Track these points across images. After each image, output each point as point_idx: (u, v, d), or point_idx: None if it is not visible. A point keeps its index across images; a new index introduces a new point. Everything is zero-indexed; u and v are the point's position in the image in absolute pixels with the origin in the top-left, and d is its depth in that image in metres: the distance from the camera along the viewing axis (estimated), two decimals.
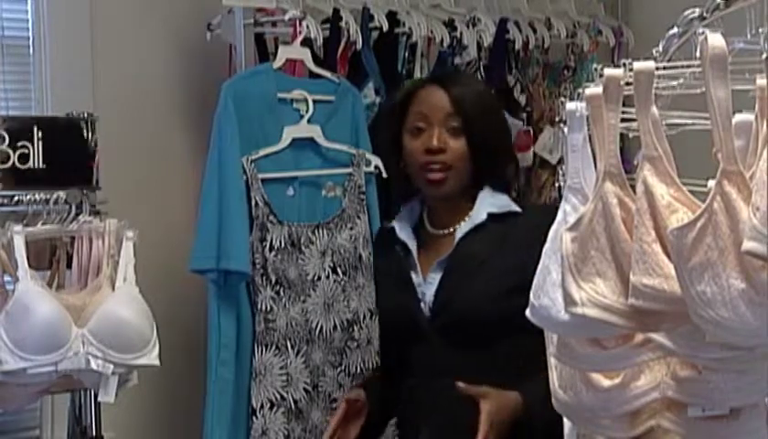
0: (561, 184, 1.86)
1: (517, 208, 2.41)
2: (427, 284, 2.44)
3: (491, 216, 2.39)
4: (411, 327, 2.44)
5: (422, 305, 2.42)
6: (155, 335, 2.52)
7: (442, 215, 2.47)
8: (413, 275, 2.46)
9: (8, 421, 2.92)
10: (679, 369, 1.70)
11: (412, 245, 2.47)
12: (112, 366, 2.46)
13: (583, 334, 1.72)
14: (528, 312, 1.81)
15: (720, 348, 1.59)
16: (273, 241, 2.91)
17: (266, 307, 2.91)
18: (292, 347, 2.90)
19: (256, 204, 2.90)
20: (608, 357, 1.72)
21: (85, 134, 2.73)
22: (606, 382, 1.75)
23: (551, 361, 1.84)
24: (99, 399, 2.53)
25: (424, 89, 2.46)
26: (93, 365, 2.43)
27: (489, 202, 2.41)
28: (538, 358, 2.10)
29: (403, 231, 2.50)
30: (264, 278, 2.90)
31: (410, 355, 2.46)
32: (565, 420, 2.00)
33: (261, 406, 2.89)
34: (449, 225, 2.46)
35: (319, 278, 2.95)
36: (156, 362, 2.51)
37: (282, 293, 2.92)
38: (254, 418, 2.90)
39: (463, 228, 2.41)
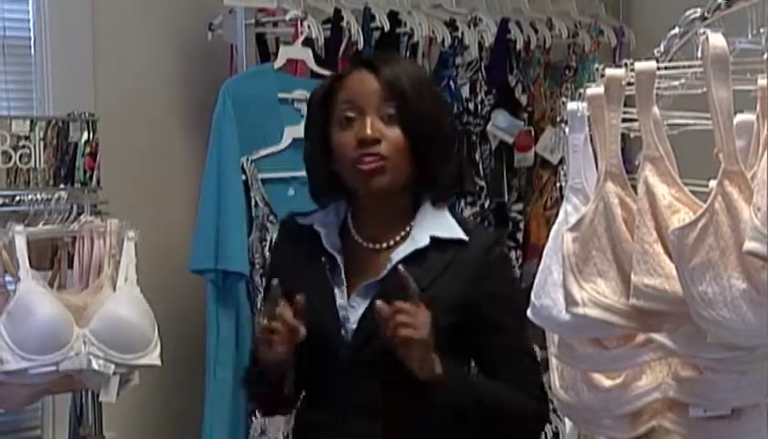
0: (563, 184, 1.86)
1: (463, 236, 2.04)
2: (351, 308, 2.04)
3: (434, 240, 2.03)
4: (329, 355, 2.04)
5: (344, 332, 2.03)
6: (157, 335, 2.52)
7: (373, 223, 2.09)
8: (337, 294, 2.05)
9: (9, 421, 2.92)
10: (681, 370, 1.70)
11: (341, 260, 2.07)
12: (113, 366, 2.46)
13: (585, 334, 1.71)
14: (529, 312, 1.81)
15: (721, 349, 1.59)
16: (273, 241, 2.91)
17: None
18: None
19: (256, 204, 2.91)
20: (609, 357, 1.72)
21: (86, 135, 2.73)
22: (607, 382, 1.75)
23: (552, 362, 1.84)
24: (100, 399, 2.54)
25: (351, 74, 2.07)
26: (95, 365, 2.43)
27: (431, 222, 2.06)
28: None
29: (329, 240, 2.08)
30: (264, 278, 2.91)
31: (320, 385, 2.07)
32: (566, 420, 2.00)
33: None
34: (382, 239, 2.07)
35: None
36: (158, 362, 2.51)
37: None
38: (253, 418, 2.91)
39: (400, 251, 2.03)
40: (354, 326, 2.03)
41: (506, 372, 2.05)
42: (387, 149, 2.00)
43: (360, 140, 2.00)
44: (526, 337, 2.08)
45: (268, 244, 2.92)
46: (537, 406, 2.08)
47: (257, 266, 2.91)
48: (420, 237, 2.04)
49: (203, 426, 2.91)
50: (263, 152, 2.97)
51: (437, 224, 2.06)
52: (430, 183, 2.08)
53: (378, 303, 1.92)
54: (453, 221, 2.08)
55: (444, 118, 2.13)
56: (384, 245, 2.07)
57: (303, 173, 2.93)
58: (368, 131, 2.00)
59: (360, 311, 2.03)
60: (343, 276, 2.07)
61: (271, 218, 2.93)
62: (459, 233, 2.06)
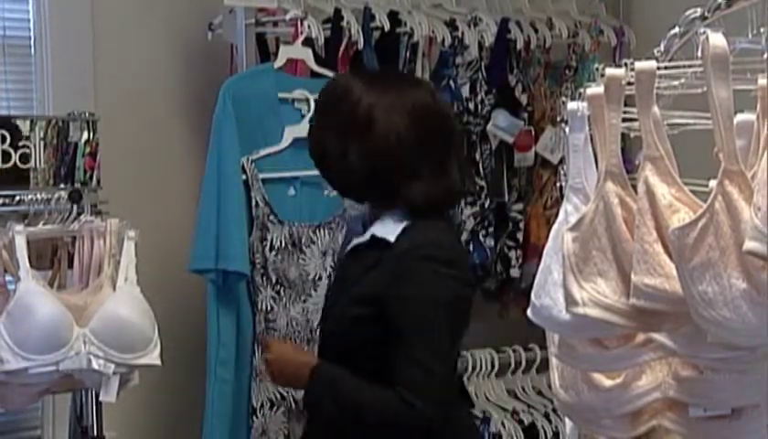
0: (563, 184, 1.86)
1: (390, 238, 2.23)
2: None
3: (373, 239, 2.27)
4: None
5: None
6: (157, 334, 2.52)
7: (371, 220, 2.37)
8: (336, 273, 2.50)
9: (10, 421, 2.92)
10: (681, 370, 1.70)
11: (342, 253, 2.47)
12: (113, 366, 2.45)
13: (585, 334, 1.71)
14: (529, 312, 1.81)
15: (721, 349, 1.59)
16: (274, 241, 2.92)
17: (267, 307, 2.92)
18: None
19: (256, 204, 2.91)
20: (609, 357, 1.72)
21: (86, 134, 2.73)
22: (608, 382, 1.75)
23: (552, 361, 1.84)
24: (100, 399, 2.53)
25: None
26: (95, 365, 2.43)
27: (384, 223, 2.28)
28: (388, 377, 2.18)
29: (352, 231, 2.45)
30: (265, 278, 2.91)
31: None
32: (566, 420, 2.00)
33: (262, 406, 2.90)
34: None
35: (320, 278, 2.96)
36: (158, 362, 2.51)
37: (282, 293, 2.93)
38: (254, 418, 2.91)
39: (353, 243, 2.34)
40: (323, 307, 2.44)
41: (394, 368, 2.15)
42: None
43: None
44: (423, 344, 2.14)
45: (268, 244, 2.92)
46: (401, 409, 2.13)
47: (257, 266, 2.91)
48: (367, 234, 2.27)
49: (204, 426, 2.91)
50: (264, 152, 2.97)
51: (385, 225, 2.26)
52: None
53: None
54: (396, 225, 2.24)
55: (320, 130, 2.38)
56: (355, 242, 2.33)
57: (303, 173, 2.98)
58: None
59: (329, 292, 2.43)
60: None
61: (271, 217, 2.93)
62: (389, 235, 2.23)
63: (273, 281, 2.93)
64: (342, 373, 2.23)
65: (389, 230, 2.24)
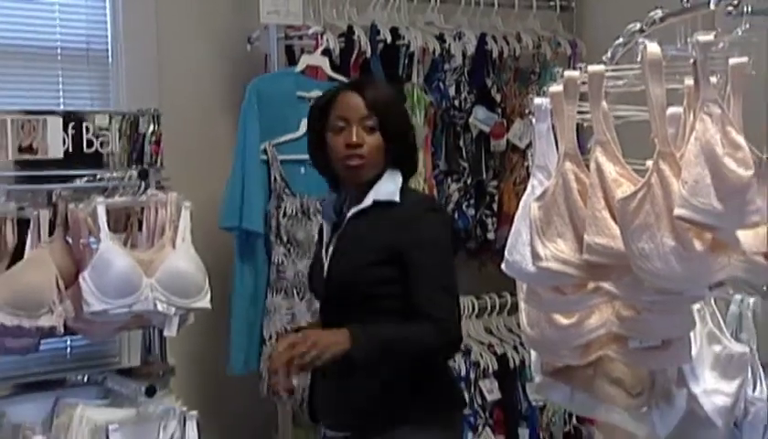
0: (530, 164, 1.84)
1: (396, 198, 2.18)
2: (327, 255, 2.26)
3: (375, 203, 2.19)
4: (319, 289, 2.31)
5: (324, 276, 2.26)
6: (207, 284, 2.53)
7: (354, 198, 2.25)
8: (324, 250, 2.29)
9: (95, 350, 2.95)
10: (623, 310, 1.69)
11: (327, 225, 2.30)
12: (174, 308, 2.47)
13: (547, 283, 1.70)
14: (503, 266, 1.79)
15: (655, 293, 1.58)
16: (287, 209, 2.97)
17: (279, 261, 2.96)
18: (297, 293, 2.96)
19: (275, 179, 2.97)
20: (566, 301, 1.71)
21: (152, 126, 2.73)
22: (565, 321, 1.74)
23: (521, 305, 1.83)
24: (164, 334, 2.54)
25: (342, 94, 2.23)
26: (159, 307, 2.44)
27: (380, 190, 2.20)
28: (397, 316, 2.13)
29: (325, 213, 2.33)
30: (278, 238, 2.96)
31: (321, 311, 2.34)
32: (532, 351, 2.00)
33: (270, 337, 2.93)
34: (354, 206, 2.25)
35: None
36: (208, 306, 2.53)
37: (291, 250, 2.97)
38: (264, 346, 2.96)
39: (352, 211, 2.22)
40: (327, 267, 2.25)
41: (421, 300, 2.10)
42: (366, 151, 2.18)
43: (347, 144, 2.18)
44: (443, 275, 2.13)
45: (282, 211, 2.97)
46: (438, 331, 2.10)
47: (272, 228, 2.97)
48: (367, 200, 2.19)
49: (231, 347, 2.98)
50: (283, 138, 3.00)
51: (382, 191, 2.19)
52: (402, 164, 2.24)
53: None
54: (395, 189, 2.19)
55: (408, 126, 2.30)
56: (354, 209, 2.23)
57: None
58: (354, 138, 2.17)
59: (329, 257, 2.25)
60: (325, 237, 2.29)
61: (286, 190, 2.99)
62: (393, 197, 2.19)
63: (285, 240, 2.97)
64: (371, 325, 2.09)
65: (389, 193, 2.18)
